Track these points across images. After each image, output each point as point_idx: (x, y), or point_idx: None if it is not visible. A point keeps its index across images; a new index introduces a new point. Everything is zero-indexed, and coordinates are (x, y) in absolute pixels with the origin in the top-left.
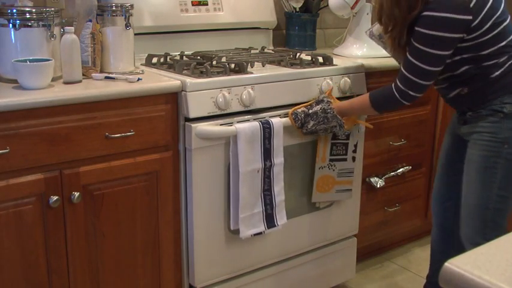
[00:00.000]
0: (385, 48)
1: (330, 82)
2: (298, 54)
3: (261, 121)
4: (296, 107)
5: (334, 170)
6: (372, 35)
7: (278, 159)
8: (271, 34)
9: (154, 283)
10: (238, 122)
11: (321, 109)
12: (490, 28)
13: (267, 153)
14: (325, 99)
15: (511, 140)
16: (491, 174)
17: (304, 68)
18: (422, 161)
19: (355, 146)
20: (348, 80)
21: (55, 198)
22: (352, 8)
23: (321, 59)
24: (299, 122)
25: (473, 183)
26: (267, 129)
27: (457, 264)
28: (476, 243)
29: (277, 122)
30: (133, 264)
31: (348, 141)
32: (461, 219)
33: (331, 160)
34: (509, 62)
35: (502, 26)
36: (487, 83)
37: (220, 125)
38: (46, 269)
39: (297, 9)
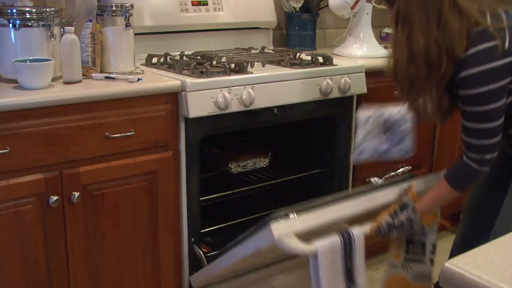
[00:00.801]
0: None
1: (330, 82)
2: (298, 54)
3: (341, 233)
4: (380, 217)
5: (409, 271)
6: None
7: (361, 279)
8: (271, 34)
9: (154, 283)
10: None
11: (406, 218)
12: None
13: (349, 275)
14: (409, 204)
15: None
16: None
17: (304, 68)
18: (422, 161)
19: (434, 246)
20: (348, 80)
21: (55, 198)
22: (352, 8)
23: (321, 59)
24: (382, 235)
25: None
26: (347, 245)
27: (457, 264)
28: None
29: (359, 234)
30: (133, 264)
31: (425, 239)
32: (496, 235)
33: (406, 260)
34: None
35: None
36: None
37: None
38: (46, 269)
39: (297, 9)
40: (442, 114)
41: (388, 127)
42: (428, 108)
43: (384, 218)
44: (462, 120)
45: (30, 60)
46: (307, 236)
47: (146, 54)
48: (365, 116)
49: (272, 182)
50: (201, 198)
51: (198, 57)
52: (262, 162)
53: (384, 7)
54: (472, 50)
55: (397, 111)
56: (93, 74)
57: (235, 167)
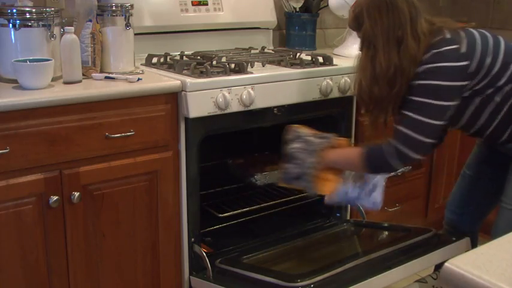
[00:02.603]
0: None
1: (330, 82)
2: (298, 54)
3: None
4: (298, 126)
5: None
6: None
7: None
8: (271, 34)
9: (154, 283)
10: None
11: (317, 142)
12: (492, 64)
13: None
14: (330, 138)
15: None
16: None
17: (304, 68)
18: (422, 161)
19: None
20: (348, 80)
21: (55, 198)
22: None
23: (321, 59)
24: (288, 138)
25: None
26: None
27: (457, 264)
28: None
29: None
30: (133, 264)
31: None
32: (497, 230)
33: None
34: None
35: (502, 50)
36: None
37: None
38: (46, 269)
39: (297, 9)
40: (381, 129)
41: (361, 175)
42: (375, 122)
43: (302, 128)
44: (406, 110)
45: (30, 60)
46: None
47: (146, 54)
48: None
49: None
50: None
51: (198, 57)
52: None
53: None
54: (432, 52)
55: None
56: (93, 74)
57: (260, 179)
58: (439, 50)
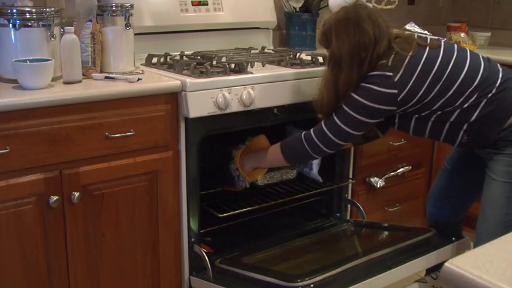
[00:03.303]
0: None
1: None
2: (298, 54)
3: None
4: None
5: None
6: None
7: None
8: (271, 34)
9: (154, 283)
10: None
11: (234, 151)
12: (425, 92)
13: None
14: (245, 142)
15: None
16: None
17: (304, 68)
18: (422, 161)
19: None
20: None
21: (55, 198)
22: None
23: (321, 59)
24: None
25: (497, 199)
26: None
27: (457, 264)
28: None
29: None
30: (133, 264)
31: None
32: (478, 234)
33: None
34: (482, 101)
35: (441, 81)
36: (480, 124)
37: None
38: (46, 269)
39: (297, 9)
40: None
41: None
42: None
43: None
44: (334, 114)
45: (30, 60)
46: None
47: (146, 54)
48: None
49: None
50: (202, 192)
51: (198, 57)
52: (290, 174)
53: (385, 7)
54: (372, 72)
55: None
56: (93, 74)
57: (261, 180)
58: (375, 73)
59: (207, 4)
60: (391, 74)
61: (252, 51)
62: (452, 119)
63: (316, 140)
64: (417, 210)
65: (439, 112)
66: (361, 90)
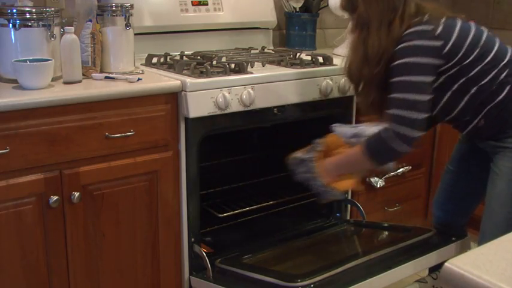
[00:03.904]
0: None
1: (330, 82)
2: (298, 54)
3: None
4: (297, 152)
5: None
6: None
7: None
8: (271, 34)
9: (154, 283)
10: None
11: (307, 157)
12: (467, 51)
13: None
14: (315, 146)
15: None
16: None
17: (304, 68)
18: (422, 161)
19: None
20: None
21: (55, 198)
22: None
23: (321, 59)
24: (292, 168)
25: (503, 196)
26: None
27: (457, 264)
28: None
29: None
30: (133, 264)
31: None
32: (484, 232)
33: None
34: (510, 81)
35: (479, 46)
36: (500, 109)
37: None
38: (46, 269)
39: (297, 9)
40: (376, 109)
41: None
42: (367, 102)
43: (301, 151)
44: (389, 95)
45: (30, 60)
46: None
47: (146, 54)
48: (349, 133)
49: (268, 178)
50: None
51: (198, 57)
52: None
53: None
54: (407, 31)
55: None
56: (93, 74)
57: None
58: (413, 30)
59: (207, 4)
60: (431, 27)
61: (252, 51)
62: (482, 97)
63: (395, 128)
64: (417, 210)
65: (473, 87)
66: (403, 52)
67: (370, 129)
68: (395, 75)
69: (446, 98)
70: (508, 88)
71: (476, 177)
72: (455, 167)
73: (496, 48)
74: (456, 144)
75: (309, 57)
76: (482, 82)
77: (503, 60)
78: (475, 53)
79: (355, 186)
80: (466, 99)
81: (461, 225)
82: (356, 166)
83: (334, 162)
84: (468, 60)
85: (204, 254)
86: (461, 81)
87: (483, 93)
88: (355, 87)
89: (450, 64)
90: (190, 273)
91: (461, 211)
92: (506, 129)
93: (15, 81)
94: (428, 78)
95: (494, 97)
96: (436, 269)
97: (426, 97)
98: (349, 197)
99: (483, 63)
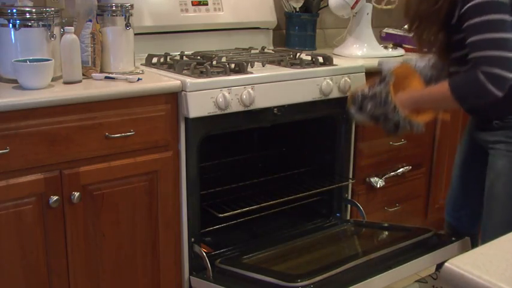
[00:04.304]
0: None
1: (330, 82)
2: (298, 54)
3: None
4: (357, 89)
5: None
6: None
7: None
8: (271, 34)
9: (154, 283)
10: None
11: (380, 91)
12: None
13: None
14: (387, 77)
15: None
16: None
17: (304, 68)
18: (422, 161)
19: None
20: (348, 80)
21: (55, 198)
22: (352, 7)
23: (321, 59)
24: (357, 106)
25: (502, 197)
26: None
27: (457, 264)
28: None
29: None
30: (133, 264)
31: (399, 120)
32: (484, 233)
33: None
34: None
35: None
36: None
37: None
38: (46, 269)
39: (297, 9)
40: (438, 50)
41: None
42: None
43: (362, 88)
44: (470, 39)
45: (30, 60)
46: None
47: (146, 54)
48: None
49: (268, 178)
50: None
51: (198, 57)
52: None
53: (385, 7)
54: None
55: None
56: (93, 74)
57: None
58: None
59: (207, 4)
60: None
61: (252, 51)
62: None
63: (484, 67)
64: (417, 210)
65: None
66: None
67: (378, 88)
68: (474, 16)
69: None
70: None
71: (481, 182)
72: (460, 173)
73: None
74: (458, 147)
75: (309, 57)
76: None
77: None
78: None
79: (432, 118)
80: None
81: (474, 232)
82: (440, 104)
83: (415, 97)
84: None
85: (204, 254)
86: None
87: None
88: (410, 25)
89: None
90: (190, 273)
91: (473, 217)
92: (509, 113)
93: (15, 81)
94: (507, 17)
95: None
96: (441, 267)
97: (511, 34)
98: (349, 197)
99: None
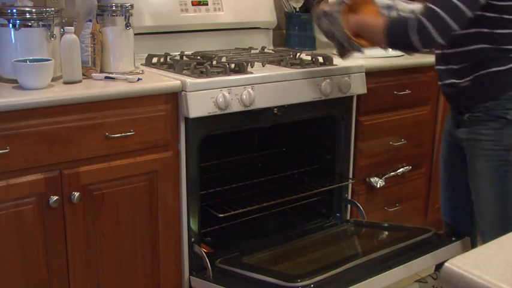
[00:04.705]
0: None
1: (330, 82)
2: (298, 54)
3: None
4: (322, 6)
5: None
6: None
7: None
8: (271, 34)
9: (154, 283)
10: None
11: (337, 10)
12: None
13: None
14: (345, 0)
15: None
16: (503, 183)
17: (304, 68)
18: (422, 161)
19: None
20: (348, 80)
21: (55, 198)
22: None
23: (321, 59)
24: (316, 22)
25: (485, 195)
26: None
27: (457, 264)
28: None
29: None
30: (133, 264)
31: (348, 46)
32: (482, 233)
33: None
34: None
35: None
36: (490, 78)
37: None
38: (46, 269)
39: (297, 9)
40: None
41: None
42: None
43: (324, 6)
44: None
45: (30, 60)
46: None
47: (146, 54)
48: (384, 2)
49: (268, 178)
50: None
51: (198, 57)
52: None
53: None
54: None
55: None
56: (93, 74)
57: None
58: None
59: (207, 4)
60: None
61: (252, 51)
62: (485, 58)
63: (424, 17)
64: (417, 210)
65: (489, 44)
66: None
67: (404, 5)
68: None
69: (461, 33)
70: (508, 66)
71: (467, 181)
72: (446, 174)
73: None
74: (441, 146)
75: (309, 57)
76: (501, 46)
77: None
78: None
79: (369, 48)
80: (478, 46)
81: (472, 231)
82: (372, 36)
83: (357, 20)
84: (505, 16)
85: (204, 254)
86: (484, 30)
87: (489, 55)
88: None
89: (494, 3)
90: (190, 273)
91: (469, 216)
92: (483, 101)
93: (15, 81)
94: None
95: (494, 65)
96: (441, 267)
97: (468, 12)
98: (349, 197)
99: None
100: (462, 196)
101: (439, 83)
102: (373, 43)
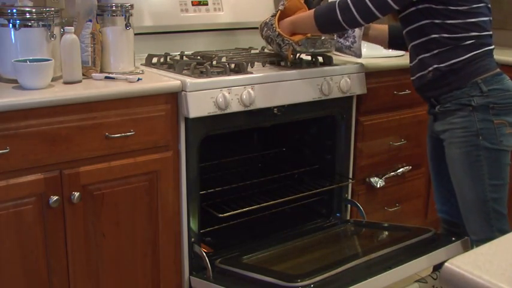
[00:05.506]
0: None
1: (330, 82)
2: (298, 54)
3: None
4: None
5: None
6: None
7: None
8: None
9: (154, 283)
10: None
11: (270, 18)
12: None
13: None
14: (279, 7)
15: (485, 131)
16: (477, 168)
17: (304, 68)
18: (422, 161)
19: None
20: (348, 80)
21: (55, 198)
22: None
23: (321, 59)
24: (260, 32)
25: (463, 181)
26: None
27: (457, 264)
28: (486, 237)
29: None
30: (133, 264)
31: (281, 43)
32: (464, 218)
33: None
34: (475, 51)
35: (475, 4)
36: (450, 69)
37: None
38: (46, 269)
39: None
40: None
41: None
42: None
43: (266, 18)
44: None
45: (30, 60)
46: None
47: (146, 54)
48: None
49: (268, 178)
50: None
51: (198, 57)
52: (328, 45)
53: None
54: None
55: None
56: (93, 74)
57: (302, 48)
58: None
59: (207, 4)
60: None
61: (252, 51)
62: (442, 49)
63: (352, 7)
64: (417, 210)
65: (443, 34)
66: None
67: (270, 18)
68: None
69: (416, 25)
70: (470, 56)
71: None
72: (433, 169)
73: (488, 19)
74: (426, 138)
75: (309, 57)
76: (455, 35)
77: (487, 31)
78: (472, 6)
79: (303, 39)
80: (433, 36)
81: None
82: (305, 27)
83: (290, 20)
84: (458, 8)
85: (204, 254)
86: (436, 21)
87: (445, 43)
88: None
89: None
90: (190, 273)
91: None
92: (448, 91)
93: (15, 81)
94: None
95: (453, 57)
96: (439, 267)
97: (392, 5)
98: (349, 197)
99: (468, 20)
100: (451, 187)
101: (411, 78)
102: (308, 33)
